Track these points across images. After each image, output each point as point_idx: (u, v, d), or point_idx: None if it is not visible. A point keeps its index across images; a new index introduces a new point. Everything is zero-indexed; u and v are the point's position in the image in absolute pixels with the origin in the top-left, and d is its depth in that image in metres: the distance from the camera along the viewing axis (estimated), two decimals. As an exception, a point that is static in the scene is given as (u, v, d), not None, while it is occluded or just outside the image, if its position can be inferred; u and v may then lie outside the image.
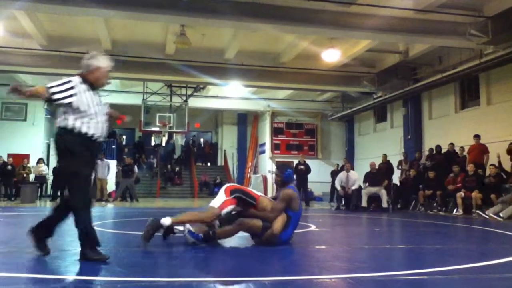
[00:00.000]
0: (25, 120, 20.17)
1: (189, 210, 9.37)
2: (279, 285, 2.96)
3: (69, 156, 3.68)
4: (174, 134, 23.52)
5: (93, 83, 3.89)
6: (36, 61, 14.76)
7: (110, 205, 14.07)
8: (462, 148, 13.03)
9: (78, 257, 3.60)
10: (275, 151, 21.88)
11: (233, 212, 4.75)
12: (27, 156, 18.11)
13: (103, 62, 3.95)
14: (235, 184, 5.18)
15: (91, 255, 3.56)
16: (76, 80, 3.76)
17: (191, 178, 23.40)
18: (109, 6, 10.25)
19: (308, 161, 16.39)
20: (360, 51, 14.20)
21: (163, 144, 25.37)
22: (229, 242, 4.69)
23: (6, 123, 19.91)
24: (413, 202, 13.25)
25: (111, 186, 17.32)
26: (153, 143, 26.29)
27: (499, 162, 11.50)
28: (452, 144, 13.25)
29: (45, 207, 12.87)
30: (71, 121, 3.69)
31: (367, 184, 13.40)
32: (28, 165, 17.26)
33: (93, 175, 16.05)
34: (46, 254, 3.80)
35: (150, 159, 24.11)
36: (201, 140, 27.44)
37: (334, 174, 16.27)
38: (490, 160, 12.05)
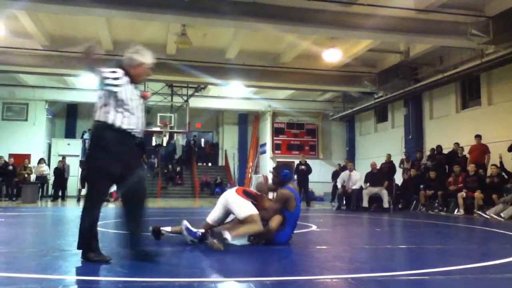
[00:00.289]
0: (26, 120, 20.18)
1: (190, 210, 9.37)
2: (280, 285, 2.96)
3: (100, 150, 3.60)
4: (175, 134, 23.51)
5: (133, 78, 3.79)
6: (38, 61, 14.78)
7: (111, 205, 14.07)
8: (462, 148, 13.02)
9: (81, 257, 3.58)
10: (276, 151, 21.88)
11: (231, 217, 4.74)
12: (28, 156, 18.13)
13: (147, 58, 3.83)
14: (238, 187, 5.02)
15: (91, 256, 3.53)
16: (120, 72, 3.68)
17: (192, 178, 23.41)
18: (111, 6, 10.26)
19: (309, 161, 16.39)
20: (361, 51, 14.20)
21: (164, 144, 25.36)
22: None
23: (7, 123, 19.93)
24: (414, 202, 13.24)
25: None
26: (154, 143, 26.29)
27: (501, 162, 11.49)
28: (457, 144, 13.21)
29: (46, 207, 12.88)
30: (112, 115, 3.61)
31: (368, 184, 13.40)
32: (29, 165, 17.27)
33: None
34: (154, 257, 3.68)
35: (151, 159, 24.11)
36: (202, 140, 27.43)
37: (335, 175, 16.25)
38: (491, 160, 12.04)
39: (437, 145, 14.09)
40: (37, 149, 19.48)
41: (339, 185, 13.69)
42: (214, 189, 22.20)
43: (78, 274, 3.27)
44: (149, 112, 20.59)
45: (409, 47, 14.52)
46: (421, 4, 10.89)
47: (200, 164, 25.48)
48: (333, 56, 14.14)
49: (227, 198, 4.64)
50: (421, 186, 12.99)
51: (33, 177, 17.00)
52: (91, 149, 3.75)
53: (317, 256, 4.34)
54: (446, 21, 11.31)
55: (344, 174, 13.81)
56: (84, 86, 19.53)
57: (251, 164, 23.78)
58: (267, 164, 21.89)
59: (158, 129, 20.61)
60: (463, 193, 11.29)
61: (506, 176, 11.20)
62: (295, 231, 4.97)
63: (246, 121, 24.83)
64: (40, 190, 16.72)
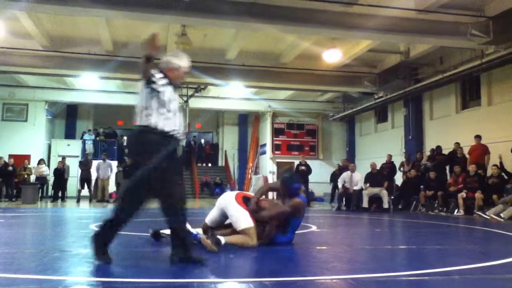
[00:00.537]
0: (26, 121, 20.17)
1: (190, 211, 9.36)
2: (280, 285, 2.96)
3: (147, 155, 3.54)
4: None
5: (170, 81, 3.79)
6: (38, 62, 14.80)
7: (111, 206, 14.08)
8: (461, 149, 13.02)
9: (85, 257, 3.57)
10: (276, 152, 21.88)
11: (228, 221, 4.74)
12: (28, 157, 18.13)
13: (184, 62, 3.88)
14: (237, 192, 4.93)
15: (99, 255, 3.54)
16: (160, 73, 3.70)
17: (192, 178, 23.39)
18: (111, 7, 10.25)
19: (309, 162, 16.39)
20: (361, 51, 14.19)
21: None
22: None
23: (7, 124, 19.92)
24: (414, 202, 13.24)
25: (111, 186, 17.34)
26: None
27: (501, 163, 11.49)
28: (457, 143, 13.21)
29: (46, 208, 12.88)
30: (154, 119, 3.58)
31: (368, 184, 13.40)
32: (29, 166, 17.27)
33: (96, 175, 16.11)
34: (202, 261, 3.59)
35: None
36: (202, 140, 27.43)
37: (334, 176, 16.23)
38: (491, 160, 12.04)
39: (437, 145, 14.09)
40: (37, 150, 19.49)
41: (339, 185, 13.70)
42: (214, 190, 22.19)
43: (78, 275, 3.26)
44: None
45: (409, 48, 14.51)
46: (421, 4, 10.89)
47: (200, 164, 25.48)
48: (333, 56, 14.14)
49: (226, 205, 4.60)
50: (421, 186, 13.00)
51: (33, 178, 17.01)
52: (137, 155, 3.68)
53: (317, 256, 4.33)
54: (446, 21, 11.31)
55: (345, 175, 13.82)
56: (84, 87, 19.54)
57: (251, 164, 23.77)
58: (267, 164, 21.89)
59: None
60: (463, 194, 11.30)
61: (506, 177, 11.21)
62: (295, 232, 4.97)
63: (246, 121, 24.83)
64: (40, 190, 16.72)
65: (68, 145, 21.03)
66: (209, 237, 4.21)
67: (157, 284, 2.89)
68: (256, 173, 23.21)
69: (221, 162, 25.65)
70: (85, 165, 16.86)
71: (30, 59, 14.66)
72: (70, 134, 22.48)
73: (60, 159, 17.69)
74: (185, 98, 20.37)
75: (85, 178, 16.62)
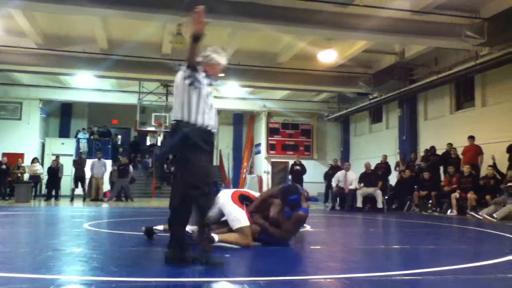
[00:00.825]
0: (20, 119, 20.05)
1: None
2: (274, 285, 2.96)
3: (190, 151, 3.51)
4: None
5: (208, 76, 3.79)
6: (32, 60, 14.73)
7: (105, 205, 14.04)
8: (455, 149, 13.09)
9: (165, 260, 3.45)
10: (271, 152, 21.88)
11: (224, 218, 4.73)
12: (21, 156, 18.03)
13: (223, 59, 3.91)
14: (235, 190, 4.86)
15: (185, 257, 3.44)
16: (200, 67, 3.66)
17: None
18: (106, 5, 10.21)
19: (303, 162, 16.41)
20: (356, 51, 14.23)
21: (159, 144, 25.32)
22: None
23: (1, 122, 19.79)
24: (408, 202, 13.29)
25: (106, 185, 17.29)
26: (148, 143, 26.23)
27: (494, 163, 11.56)
28: (450, 144, 13.29)
29: (39, 207, 12.82)
30: (194, 114, 3.55)
31: (362, 184, 13.44)
32: (23, 164, 17.19)
33: (90, 174, 16.07)
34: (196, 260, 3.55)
35: (146, 159, 24.05)
36: (197, 140, 27.39)
37: (327, 175, 16.25)
38: (484, 161, 12.12)
39: (431, 146, 14.15)
40: (30, 148, 19.38)
41: (333, 185, 13.72)
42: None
43: (71, 274, 3.26)
44: (144, 111, 20.58)
45: (404, 48, 14.57)
46: (417, 5, 10.93)
47: (195, 164, 25.40)
48: (329, 57, 14.17)
49: (223, 202, 4.58)
50: (415, 186, 13.05)
51: (26, 177, 16.92)
52: (181, 151, 3.58)
53: (311, 256, 4.34)
54: (441, 22, 11.36)
55: (340, 174, 13.83)
56: (79, 85, 19.47)
57: (245, 164, 23.76)
58: (262, 164, 21.89)
59: (152, 129, 20.59)
60: (456, 194, 11.36)
61: (499, 177, 11.27)
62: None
63: (241, 121, 24.81)
64: (34, 189, 16.66)
65: (62, 143, 20.94)
66: (202, 235, 4.20)
67: (151, 284, 2.89)
68: (251, 172, 23.21)
69: (215, 162, 25.62)
70: (79, 164, 16.81)
71: (24, 57, 14.58)
72: (64, 132, 22.38)
73: (54, 157, 17.62)
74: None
75: (79, 177, 16.57)
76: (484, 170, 11.93)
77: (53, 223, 8.09)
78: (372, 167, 14.30)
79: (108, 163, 18.30)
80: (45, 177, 17.25)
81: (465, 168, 11.74)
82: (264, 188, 20.43)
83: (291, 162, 16.80)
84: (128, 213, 10.34)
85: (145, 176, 22.59)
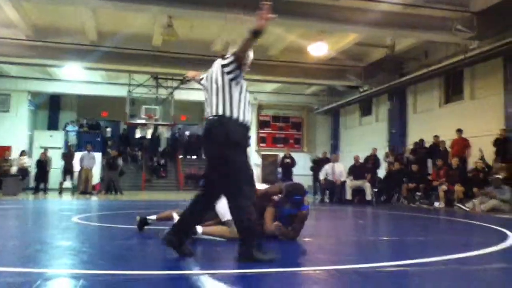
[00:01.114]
0: (8, 111, 19.82)
1: (174, 203, 9.34)
2: (264, 276, 2.97)
3: (234, 147, 3.40)
4: (160, 127, 23.38)
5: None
6: (21, 51, 14.55)
7: (94, 198, 13.98)
8: (443, 142, 13.19)
9: (239, 258, 3.33)
10: (261, 144, 21.91)
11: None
12: (9, 148, 17.84)
13: (252, 54, 3.84)
14: None
15: (258, 256, 3.28)
16: None
17: (176, 171, 23.32)
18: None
19: (293, 154, 16.46)
20: (347, 44, 14.25)
21: (149, 136, 25.21)
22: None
23: (-12, 114, 19.58)
24: (396, 195, 13.40)
25: (95, 178, 17.20)
26: (138, 136, 26.11)
27: (482, 156, 11.68)
28: (437, 137, 13.39)
29: (28, 200, 12.73)
30: (235, 109, 3.48)
31: (351, 177, 13.50)
32: (11, 157, 17.01)
33: (80, 167, 15.96)
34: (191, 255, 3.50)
35: (135, 152, 23.95)
36: (187, 132, 27.31)
37: (314, 169, 16.28)
38: (472, 154, 12.25)
39: (420, 138, 14.26)
40: (18, 141, 19.15)
41: (321, 177, 13.75)
42: (198, 182, 22.13)
43: (59, 267, 3.24)
44: (134, 104, 20.44)
45: (395, 42, 14.61)
46: (408, -2, 10.97)
47: (184, 156, 25.36)
48: (319, 49, 14.16)
49: None
50: (404, 179, 13.16)
51: (14, 170, 16.75)
52: (226, 147, 3.41)
53: (300, 248, 4.36)
54: (431, 16, 11.41)
55: (327, 166, 13.88)
56: (68, 77, 19.28)
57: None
58: (252, 157, 21.90)
59: (142, 121, 20.47)
60: (444, 186, 11.46)
61: (486, 169, 11.40)
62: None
63: (231, 114, 24.76)
64: (22, 182, 16.51)
65: (51, 136, 20.75)
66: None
67: (140, 276, 2.89)
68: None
69: (206, 155, 25.58)
70: (68, 157, 16.68)
71: (13, 48, 14.39)
72: (53, 125, 22.18)
73: (42, 150, 17.47)
74: (170, 90, 20.24)
75: (68, 170, 16.45)
76: (472, 163, 12.06)
77: (42, 216, 8.05)
78: (362, 160, 14.37)
79: (98, 155, 18.19)
80: (33, 170, 17.11)
81: (453, 161, 11.85)
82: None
83: (281, 155, 16.84)
84: (117, 206, 10.30)
85: (134, 169, 22.50)
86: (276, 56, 15.66)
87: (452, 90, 15.03)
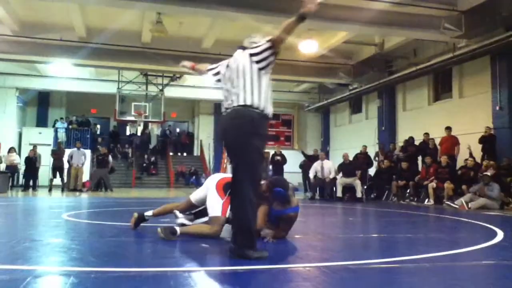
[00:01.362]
0: (-5, 108, 19.66)
1: (165, 201, 9.33)
2: (253, 274, 2.98)
3: (257, 138, 3.38)
4: (150, 124, 23.30)
5: None
6: (8, 48, 14.42)
7: (84, 195, 13.89)
8: (432, 140, 13.30)
9: (233, 254, 3.31)
10: (252, 142, 21.88)
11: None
12: (-3, 145, 17.69)
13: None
14: (223, 176, 4.56)
15: (250, 254, 3.26)
16: None
17: (167, 168, 23.25)
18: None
19: (284, 152, 16.47)
20: (337, 42, 14.30)
21: (139, 133, 25.11)
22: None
23: (-24, 111, 19.37)
24: (386, 192, 13.49)
25: (85, 175, 17.09)
26: (128, 133, 25.98)
27: (470, 154, 11.80)
28: (427, 134, 13.49)
29: (17, 197, 12.62)
30: (263, 101, 3.44)
31: (341, 174, 13.56)
32: (-1, 154, 16.86)
33: (69, 164, 15.84)
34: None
35: (125, 149, 23.85)
36: (177, 130, 27.24)
37: (303, 166, 16.33)
38: (461, 151, 12.36)
39: (409, 136, 14.36)
40: (7, 138, 18.97)
41: (311, 176, 13.79)
42: (189, 179, 22.11)
43: (49, 264, 3.23)
44: (124, 101, 20.35)
45: (384, 40, 14.70)
46: (397, -3, 11.03)
47: (175, 154, 25.31)
48: (309, 47, 14.20)
49: (208, 187, 4.47)
50: (393, 176, 13.24)
51: (3, 167, 16.59)
52: (251, 137, 3.38)
53: (290, 245, 4.38)
54: (420, 14, 11.49)
55: (316, 164, 13.92)
56: (56, 74, 19.11)
57: (226, 154, 23.73)
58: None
59: (132, 118, 20.40)
60: (433, 184, 11.56)
61: (476, 167, 11.49)
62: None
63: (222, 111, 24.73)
64: (11, 179, 16.35)
65: (40, 133, 20.59)
66: (164, 228, 4.20)
67: (130, 273, 2.89)
68: (231, 162, 23.19)
69: (196, 152, 25.54)
70: (57, 154, 16.55)
71: (0, 44, 14.24)
72: (41, 122, 22.01)
73: (31, 147, 17.31)
74: (160, 87, 20.16)
75: (57, 167, 16.32)
76: (461, 161, 12.18)
77: (31, 213, 7.98)
78: (351, 157, 14.44)
79: (88, 152, 18.07)
80: (22, 167, 16.96)
81: (443, 159, 11.95)
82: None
83: (271, 152, 16.83)
84: (107, 203, 10.25)
85: (125, 166, 22.41)
86: (266, 54, 15.64)
87: (441, 88, 15.16)
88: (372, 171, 14.93)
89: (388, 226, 6.76)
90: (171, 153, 24.51)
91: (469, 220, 7.20)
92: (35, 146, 17.28)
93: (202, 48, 15.16)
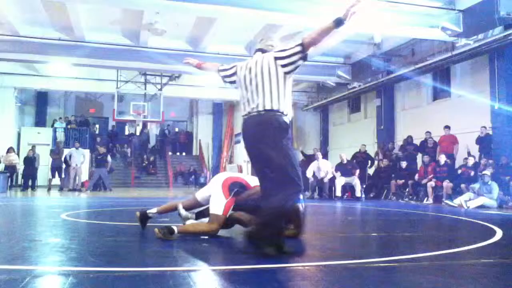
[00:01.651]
0: (-6, 108, 19.63)
1: (165, 200, 9.33)
2: (252, 273, 2.98)
3: (288, 141, 3.40)
4: (149, 123, 23.30)
5: None
6: (6, 47, 14.35)
7: (83, 195, 13.88)
8: (431, 138, 13.31)
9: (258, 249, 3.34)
10: (251, 141, 21.88)
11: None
12: (-4, 145, 17.67)
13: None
14: (230, 175, 4.54)
15: (266, 249, 3.29)
16: None
17: (166, 167, 23.24)
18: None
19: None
20: (335, 41, 14.27)
21: (137, 133, 25.10)
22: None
23: (-26, 111, 19.34)
24: (385, 191, 13.50)
25: (84, 175, 17.08)
26: (127, 132, 25.98)
27: (468, 153, 11.82)
28: (429, 133, 13.45)
29: (16, 197, 12.61)
30: (288, 105, 3.43)
31: (339, 173, 13.56)
32: (-3, 154, 16.86)
33: (68, 163, 15.82)
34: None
35: (124, 149, 23.84)
36: (176, 129, 27.24)
37: (302, 164, 16.32)
38: (460, 150, 12.38)
39: (408, 135, 14.36)
40: (5, 138, 18.96)
41: (309, 175, 13.79)
42: (188, 179, 22.11)
43: (48, 264, 3.22)
44: (122, 100, 20.34)
45: (383, 39, 14.68)
46: (396, -5, 11.02)
47: (174, 153, 25.31)
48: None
49: (214, 185, 4.43)
50: (392, 175, 13.26)
51: (1, 167, 16.59)
52: (281, 141, 3.40)
53: (289, 244, 4.38)
54: (418, 13, 11.48)
55: (314, 164, 13.95)
56: (55, 74, 19.09)
57: (225, 153, 23.75)
58: (242, 153, 21.90)
59: (131, 118, 20.39)
60: (432, 183, 11.57)
61: (474, 165, 11.52)
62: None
63: (220, 110, 24.74)
64: (9, 179, 16.34)
65: (39, 133, 20.58)
66: (162, 227, 4.16)
67: (129, 273, 2.88)
68: (230, 162, 23.22)
69: (195, 151, 25.55)
70: (56, 154, 16.54)
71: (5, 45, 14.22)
72: (40, 121, 22.00)
73: (30, 147, 17.30)
74: (159, 86, 20.14)
75: (56, 167, 16.31)
76: (460, 160, 12.20)
77: (30, 213, 7.97)
78: (350, 157, 14.45)
79: (87, 152, 18.06)
80: (21, 167, 16.95)
81: (441, 158, 11.97)
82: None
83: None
84: (106, 203, 10.24)
85: (123, 165, 22.40)
86: (265, 53, 15.63)
87: (440, 87, 15.16)
88: (371, 170, 14.93)
89: (387, 225, 6.77)
90: (170, 153, 24.51)
91: (468, 219, 7.21)
92: (33, 146, 17.27)
93: (200, 48, 15.14)
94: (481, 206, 9.75)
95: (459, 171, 11.62)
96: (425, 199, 11.79)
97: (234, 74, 3.82)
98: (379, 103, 17.30)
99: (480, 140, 11.86)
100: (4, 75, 19.16)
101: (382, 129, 16.91)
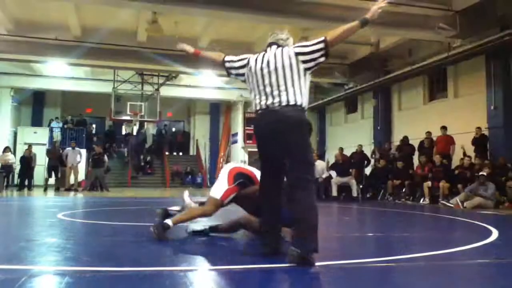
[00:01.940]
0: (-10, 107, 19.56)
1: (162, 200, 9.32)
2: (248, 273, 2.99)
3: (309, 137, 3.40)
4: (146, 123, 23.27)
5: None
6: (3, 47, 14.32)
7: (80, 195, 13.85)
8: (428, 139, 13.33)
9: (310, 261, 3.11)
10: (248, 141, 21.86)
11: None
12: (-8, 145, 17.59)
13: None
14: (239, 166, 4.51)
15: (313, 259, 3.11)
16: None
17: (162, 167, 23.21)
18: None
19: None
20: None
21: (134, 133, 25.06)
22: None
23: (-30, 111, 19.26)
24: (382, 191, 13.52)
25: (81, 175, 17.04)
26: (124, 132, 25.92)
27: (464, 153, 11.86)
28: (429, 133, 13.40)
29: (12, 197, 12.57)
30: (306, 101, 3.37)
31: (335, 173, 13.56)
32: (-6, 154, 16.77)
33: (64, 163, 15.75)
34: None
35: (121, 149, 23.79)
36: (173, 129, 27.19)
37: None
38: (456, 151, 12.41)
39: (404, 136, 14.39)
40: (2, 138, 18.89)
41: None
42: (185, 179, 22.09)
43: (44, 264, 3.22)
44: (119, 100, 20.31)
45: (379, 40, 14.71)
46: (392, -4, 11.04)
47: (170, 153, 25.26)
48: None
49: (221, 173, 4.37)
50: (389, 175, 13.27)
51: (-3, 166, 16.53)
52: (306, 136, 3.37)
53: (286, 244, 4.38)
54: (415, 14, 11.50)
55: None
56: (52, 73, 19.04)
57: (222, 154, 23.74)
58: (239, 154, 21.91)
59: (128, 118, 20.36)
60: (428, 183, 11.59)
61: (471, 166, 11.53)
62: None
63: (217, 110, 24.72)
64: (6, 179, 16.28)
65: (35, 132, 20.50)
66: (156, 225, 4.09)
67: (126, 273, 2.88)
68: (227, 162, 23.20)
69: (192, 151, 25.51)
70: (53, 153, 16.50)
71: (-6, 43, 14.17)
72: (37, 121, 21.92)
73: (26, 147, 17.25)
74: (156, 86, 20.12)
75: (52, 167, 16.27)
76: (456, 160, 12.22)
77: (26, 213, 7.95)
78: (342, 157, 14.45)
79: (83, 152, 18.02)
80: (17, 167, 16.90)
81: (436, 158, 11.99)
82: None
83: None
84: (103, 203, 10.23)
85: (120, 165, 22.35)
86: (262, 53, 15.64)
87: (436, 88, 15.20)
88: (367, 170, 14.95)
89: (383, 225, 6.78)
90: (167, 153, 24.46)
91: (464, 219, 7.23)
92: (30, 145, 17.22)
93: (198, 47, 15.12)
94: (478, 206, 9.78)
95: (456, 172, 11.64)
96: (422, 199, 11.81)
97: (244, 66, 3.66)
98: (376, 104, 17.32)
99: (475, 141, 11.89)
100: (1, 75, 19.09)
101: (379, 130, 16.94)
